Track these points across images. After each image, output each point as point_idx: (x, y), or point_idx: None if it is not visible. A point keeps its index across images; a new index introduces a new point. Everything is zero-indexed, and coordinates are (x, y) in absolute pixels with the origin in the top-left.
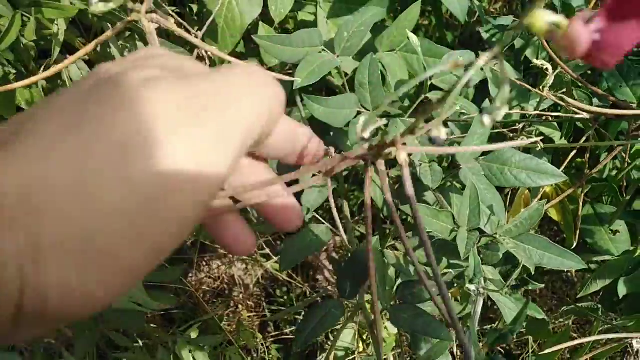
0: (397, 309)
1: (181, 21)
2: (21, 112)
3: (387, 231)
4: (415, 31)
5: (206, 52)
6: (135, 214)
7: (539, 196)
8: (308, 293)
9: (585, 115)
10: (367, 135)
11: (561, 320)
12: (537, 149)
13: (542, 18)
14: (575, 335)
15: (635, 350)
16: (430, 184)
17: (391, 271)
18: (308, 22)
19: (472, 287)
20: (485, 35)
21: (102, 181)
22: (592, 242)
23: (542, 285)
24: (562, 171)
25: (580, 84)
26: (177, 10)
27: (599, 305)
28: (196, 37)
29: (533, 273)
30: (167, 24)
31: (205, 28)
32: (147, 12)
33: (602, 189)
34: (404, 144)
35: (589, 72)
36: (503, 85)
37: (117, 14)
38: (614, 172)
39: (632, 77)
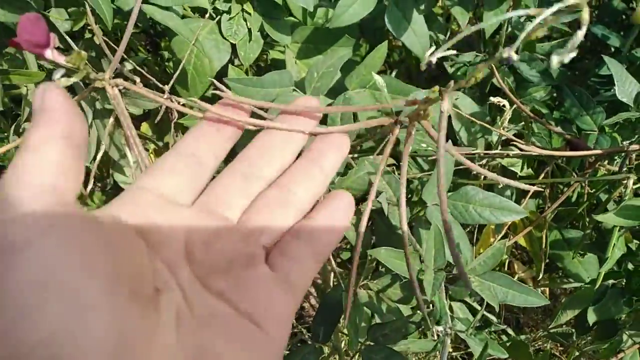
0: (369, 351)
1: (149, 76)
2: None
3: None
4: (389, 55)
5: (178, 102)
6: None
7: (503, 231)
8: (294, 324)
9: (544, 152)
10: (434, 60)
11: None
12: (499, 187)
13: None
14: (557, 354)
15: None
16: (397, 223)
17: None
18: (279, 61)
19: (439, 328)
20: (450, 70)
21: None
22: (562, 266)
23: (505, 327)
24: (527, 200)
25: (537, 119)
26: (150, 57)
27: (573, 330)
28: (163, 92)
29: (498, 310)
30: (132, 87)
31: (174, 79)
32: (112, 78)
33: (569, 214)
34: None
35: (554, 95)
36: (577, 32)
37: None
38: (582, 192)
39: (592, 107)
